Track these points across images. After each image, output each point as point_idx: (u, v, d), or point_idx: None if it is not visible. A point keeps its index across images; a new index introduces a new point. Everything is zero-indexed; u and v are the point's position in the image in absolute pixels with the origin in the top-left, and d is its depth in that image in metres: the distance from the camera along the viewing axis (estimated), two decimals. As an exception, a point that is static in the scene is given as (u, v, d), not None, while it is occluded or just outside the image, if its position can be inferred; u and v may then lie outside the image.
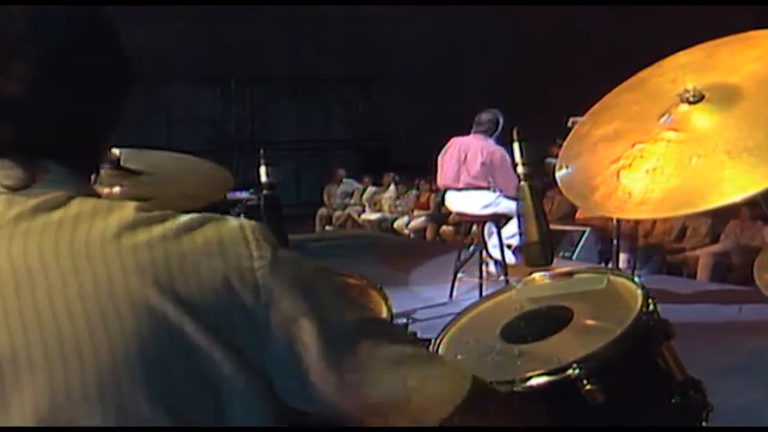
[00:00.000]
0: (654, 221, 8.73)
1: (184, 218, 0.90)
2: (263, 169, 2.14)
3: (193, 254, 0.85)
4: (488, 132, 6.87)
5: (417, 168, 12.84)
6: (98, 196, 0.94)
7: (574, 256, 9.15)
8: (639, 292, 1.59)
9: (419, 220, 12.63)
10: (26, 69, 0.88)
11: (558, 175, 1.58)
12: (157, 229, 0.87)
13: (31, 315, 0.83)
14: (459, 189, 6.93)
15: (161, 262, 0.84)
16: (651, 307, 1.54)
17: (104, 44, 0.96)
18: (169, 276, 0.84)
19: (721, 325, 6.21)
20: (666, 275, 8.45)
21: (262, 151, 2.16)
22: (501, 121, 6.87)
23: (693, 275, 8.38)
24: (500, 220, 6.85)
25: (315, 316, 0.88)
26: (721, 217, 8.33)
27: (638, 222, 8.23)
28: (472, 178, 6.80)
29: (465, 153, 6.83)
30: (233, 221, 0.91)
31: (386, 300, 1.95)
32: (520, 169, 1.76)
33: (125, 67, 0.99)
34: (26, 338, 0.82)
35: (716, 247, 8.39)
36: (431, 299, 7.10)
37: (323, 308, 0.89)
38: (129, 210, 0.89)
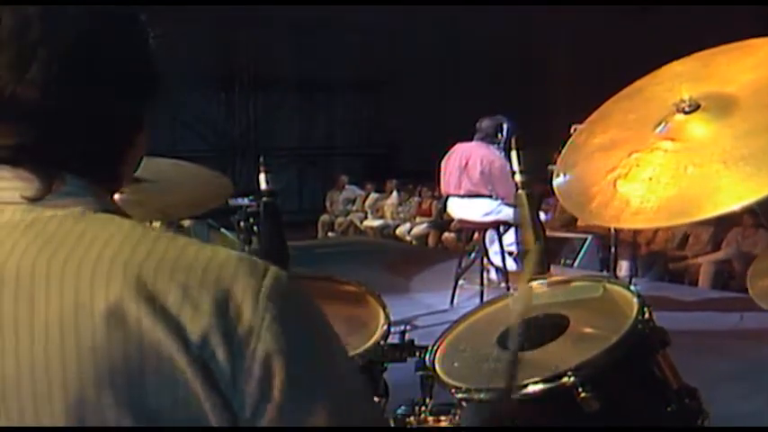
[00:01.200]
0: (656, 229, 8.74)
1: (205, 251, 0.86)
2: (262, 176, 2.15)
3: (199, 289, 0.83)
4: (488, 139, 6.88)
5: (420, 175, 12.85)
6: (118, 211, 0.92)
7: (575, 264, 9.15)
8: (635, 300, 1.60)
9: (421, 227, 12.64)
10: (42, 74, 0.86)
11: (555, 183, 1.59)
12: (170, 258, 0.84)
13: (25, 327, 0.82)
14: (461, 196, 6.94)
15: (162, 290, 0.82)
16: (647, 315, 1.55)
17: (124, 48, 0.93)
18: (166, 303, 0.82)
19: (722, 333, 6.20)
20: (668, 283, 8.45)
21: (261, 159, 2.17)
22: (506, 127, 6.88)
23: (695, 283, 8.39)
24: (501, 227, 6.86)
25: (291, 390, 0.84)
26: (723, 225, 8.33)
27: (639, 230, 8.23)
28: (473, 185, 6.82)
29: (466, 160, 6.85)
30: (256, 267, 0.87)
31: (384, 307, 1.96)
32: (517, 177, 1.77)
33: (146, 72, 0.96)
34: (16, 348, 0.82)
35: (717, 255, 8.40)
36: (432, 305, 7.10)
37: (302, 386, 0.85)
38: (148, 235, 0.87)
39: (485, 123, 6.95)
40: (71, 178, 0.90)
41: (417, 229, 12.67)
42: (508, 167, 6.48)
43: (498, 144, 6.86)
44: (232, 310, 0.83)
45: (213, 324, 0.82)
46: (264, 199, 2.15)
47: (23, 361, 0.82)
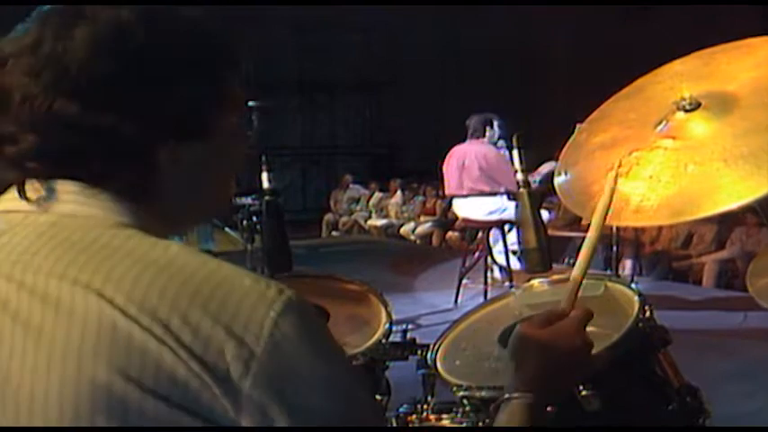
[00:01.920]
0: (660, 228, 8.73)
1: (216, 274, 0.84)
2: (264, 175, 2.15)
3: (201, 317, 0.81)
4: (477, 134, 7.03)
5: (423, 175, 12.86)
6: (138, 225, 0.89)
7: (579, 263, 9.11)
8: (636, 298, 1.60)
9: (425, 226, 12.64)
10: (58, 83, 0.86)
11: (556, 182, 1.59)
12: (177, 281, 0.82)
13: (19, 344, 0.82)
14: (464, 196, 6.99)
15: (165, 316, 0.80)
16: (647, 313, 1.55)
17: (132, 49, 0.89)
18: (167, 329, 0.80)
19: (726, 332, 6.20)
20: (672, 282, 8.45)
21: (263, 157, 2.17)
22: (496, 123, 7.01)
23: (699, 282, 8.39)
24: (505, 225, 6.88)
25: (295, 418, 0.83)
26: (727, 224, 8.32)
27: (643, 229, 8.23)
28: (473, 183, 6.90)
29: (463, 160, 6.97)
30: (267, 292, 0.84)
31: (386, 306, 1.96)
32: (519, 176, 1.77)
33: (145, 71, 0.90)
34: (23, 352, 0.82)
35: (721, 254, 8.39)
36: (436, 305, 7.11)
37: (300, 412, 0.83)
38: (162, 255, 0.85)
39: (473, 121, 7.13)
40: (81, 188, 0.89)
41: (421, 229, 12.67)
42: (503, 154, 6.62)
43: (493, 140, 6.99)
44: (235, 337, 0.81)
45: (212, 353, 0.80)
46: (267, 198, 2.15)
47: (27, 364, 0.82)
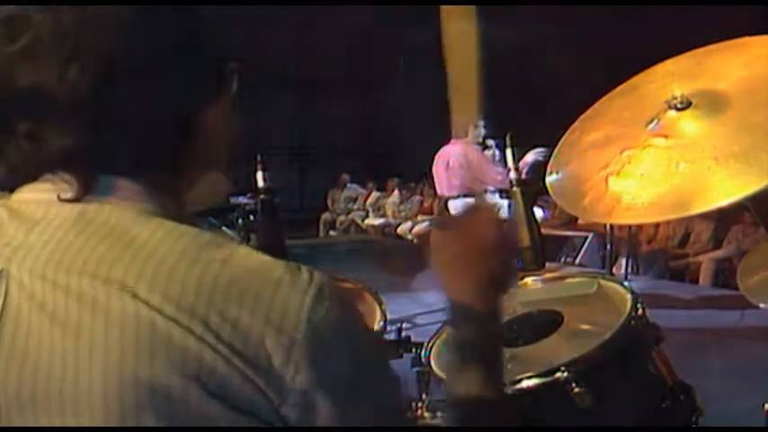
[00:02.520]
0: (657, 227, 8.75)
1: (249, 266, 0.84)
2: (259, 174, 2.15)
3: (238, 312, 0.81)
4: (460, 134, 7.06)
5: (421, 174, 12.86)
6: (170, 215, 0.89)
7: (576, 262, 9.14)
8: (629, 296, 1.61)
9: (422, 226, 12.63)
10: (83, 76, 0.85)
11: (549, 180, 1.60)
12: (211, 276, 0.82)
13: (59, 345, 0.82)
14: (455, 197, 7.05)
15: (202, 314, 0.81)
16: (640, 311, 1.56)
17: (170, 47, 0.90)
18: (206, 328, 0.81)
19: (722, 330, 6.20)
20: (669, 281, 8.45)
21: (258, 156, 2.17)
22: (480, 123, 7.05)
23: (696, 281, 8.39)
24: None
25: (333, 414, 0.84)
26: (724, 223, 8.33)
27: (640, 228, 8.25)
28: (460, 182, 6.95)
29: (447, 160, 7.02)
30: (300, 279, 0.85)
31: (380, 304, 1.97)
32: (512, 175, 1.78)
33: (192, 69, 0.93)
34: (62, 348, 0.82)
35: (718, 253, 8.39)
36: (432, 304, 7.09)
37: (344, 411, 0.85)
38: (193, 245, 0.85)
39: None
40: (116, 180, 0.89)
41: (419, 228, 12.67)
42: (489, 157, 6.61)
43: (478, 140, 7.02)
44: (274, 326, 0.81)
45: (252, 346, 0.81)
46: (261, 196, 2.15)
47: (69, 362, 0.82)
